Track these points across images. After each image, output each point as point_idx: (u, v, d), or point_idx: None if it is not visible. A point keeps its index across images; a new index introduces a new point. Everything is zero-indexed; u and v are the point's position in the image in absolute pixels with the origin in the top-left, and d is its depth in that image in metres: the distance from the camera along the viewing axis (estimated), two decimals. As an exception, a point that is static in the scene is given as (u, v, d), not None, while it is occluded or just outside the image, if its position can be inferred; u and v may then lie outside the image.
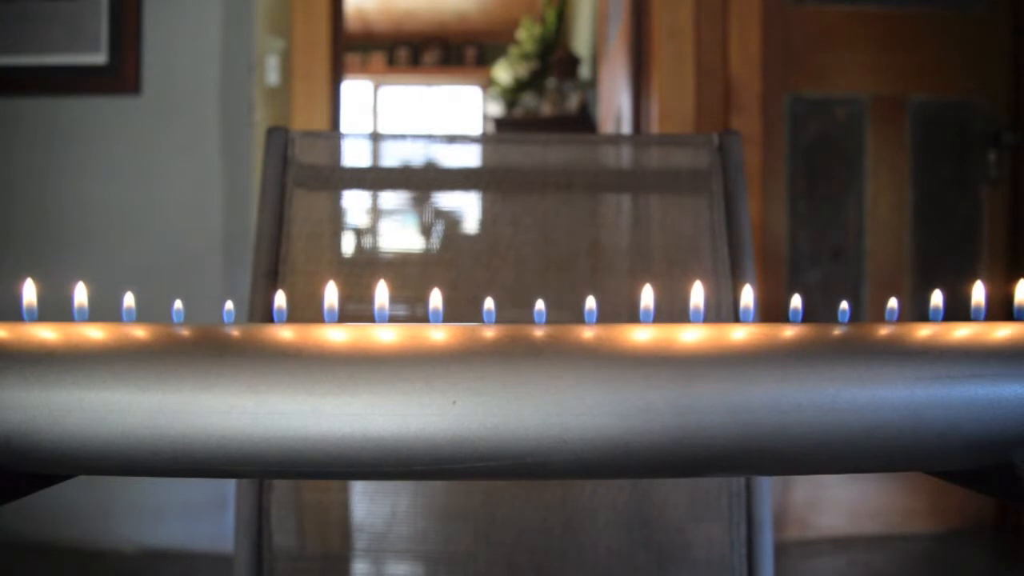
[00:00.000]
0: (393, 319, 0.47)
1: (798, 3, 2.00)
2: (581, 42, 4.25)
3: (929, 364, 0.33)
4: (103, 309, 0.48)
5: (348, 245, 0.99)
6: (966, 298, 0.39)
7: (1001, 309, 0.41)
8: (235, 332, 0.34)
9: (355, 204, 1.00)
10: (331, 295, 0.37)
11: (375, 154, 0.99)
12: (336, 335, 0.34)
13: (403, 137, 0.97)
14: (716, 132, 0.94)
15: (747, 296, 0.38)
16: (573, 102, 4.10)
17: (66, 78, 1.97)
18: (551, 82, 4.33)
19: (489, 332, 0.34)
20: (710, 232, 0.90)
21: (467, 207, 1.01)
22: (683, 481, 0.88)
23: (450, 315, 0.41)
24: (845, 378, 0.33)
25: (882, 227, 2.04)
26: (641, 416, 0.32)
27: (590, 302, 0.37)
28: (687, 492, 0.88)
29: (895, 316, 0.38)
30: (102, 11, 1.96)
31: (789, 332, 0.35)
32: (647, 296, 0.37)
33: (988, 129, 2.04)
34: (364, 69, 5.51)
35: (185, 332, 0.34)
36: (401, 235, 0.98)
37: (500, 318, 0.37)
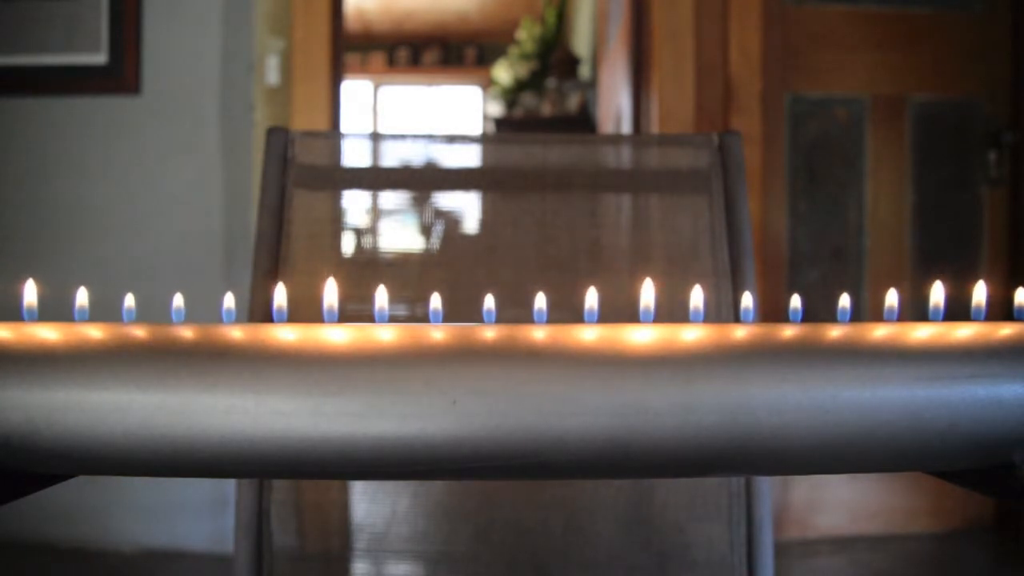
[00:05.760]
0: (393, 319, 0.47)
1: (798, 3, 2.00)
2: (581, 42, 4.25)
3: (929, 364, 0.33)
4: (103, 309, 0.48)
5: (348, 245, 0.98)
6: (966, 298, 0.39)
7: (1001, 309, 0.41)
8: (235, 332, 0.34)
9: (355, 204, 1.00)
10: (331, 295, 0.37)
11: (375, 154, 0.99)
12: (336, 335, 0.34)
13: (403, 137, 0.97)
14: (716, 132, 0.94)
15: (747, 298, 0.38)
16: (573, 102, 4.10)
17: (66, 78, 1.97)
18: (551, 82, 4.33)
19: (489, 332, 0.34)
20: (710, 232, 0.90)
21: (467, 207, 1.01)
22: (683, 481, 0.88)
23: (450, 315, 0.41)
24: (845, 378, 0.33)
25: (882, 227, 2.04)
26: (641, 416, 0.32)
27: (590, 301, 0.37)
28: (687, 492, 0.88)
29: (895, 316, 0.38)
30: (102, 11, 1.95)
31: (789, 332, 0.35)
32: (647, 295, 0.37)
33: (988, 129, 2.04)
34: (364, 69, 5.51)
35: (185, 332, 0.34)
36: (401, 235, 0.98)
37: (500, 318, 0.37)
